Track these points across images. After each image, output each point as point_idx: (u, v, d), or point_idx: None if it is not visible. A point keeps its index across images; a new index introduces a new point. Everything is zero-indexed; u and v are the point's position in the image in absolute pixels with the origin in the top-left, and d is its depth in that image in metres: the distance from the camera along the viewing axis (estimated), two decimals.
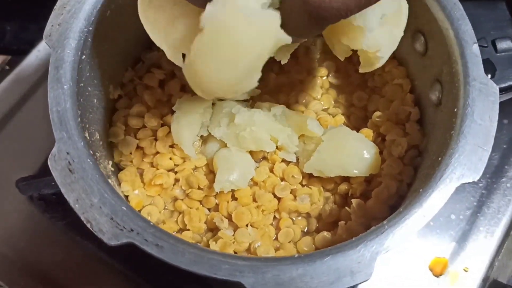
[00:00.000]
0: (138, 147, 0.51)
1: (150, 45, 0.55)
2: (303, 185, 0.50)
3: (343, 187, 0.49)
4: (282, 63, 0.45)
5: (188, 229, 0.47)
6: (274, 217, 0.49)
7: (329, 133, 0.49)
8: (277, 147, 0.50)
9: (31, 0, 0.72)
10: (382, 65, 0.50)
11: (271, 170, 0.50)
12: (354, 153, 0.48)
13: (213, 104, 0.51)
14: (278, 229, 0.48)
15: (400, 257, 0.54)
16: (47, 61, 0.41)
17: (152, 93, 0.53)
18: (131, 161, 0.51)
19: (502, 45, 0.47)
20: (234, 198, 0.49)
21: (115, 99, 0.53)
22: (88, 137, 0.43)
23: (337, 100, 0.55)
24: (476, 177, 0.38)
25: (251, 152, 0.50)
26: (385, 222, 0.37)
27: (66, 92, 0.40)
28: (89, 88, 0.46)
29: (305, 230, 0.49)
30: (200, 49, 0.34)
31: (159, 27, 0.39)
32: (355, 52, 0.43)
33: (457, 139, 0.39)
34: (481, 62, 0.41)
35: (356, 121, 0.53)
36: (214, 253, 0.35)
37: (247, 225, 0.47)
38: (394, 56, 0.54)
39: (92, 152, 0.40)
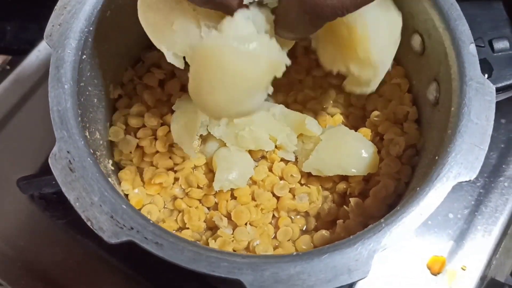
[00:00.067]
0: (138, 146, 0.51)
1: (150, 45, 0.54)
2: (301, 184, 0.50)
3: (341, 186, 0.50)
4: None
5: (188, 228, 0.48)
6: (273, 215, 0.49)
7: (327, 133, 0.50)
8: (276, 147, 0.50)
9: (31, 0, 0.72)
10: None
11: (270, 169, 0.50)
12: (353, 152, 0.48)
13: None
14: (277, 227, 0.49)
15: (398, 256, 0.54)
16: (47, 61, 0.42)
17: (152, 92, 0.53)
18: (131, 160, 0.51)
19: (499, 45, 0.48)
20: (233, 197, 0.49)
21: (115, 99, 0.53)
22: (88, 136, 0.43)
23: (335, 99, 0.55)
24: (472, 176, 0.38)
25: (250, 151, 0.50)
26: (382, 220, 0.37)
27: (66, 91, 0.40)
28: (90, 88, 0.46)
29: (303, 229, 0.49)
30: (196, 79, 0.35)
31: (158, 29, 0.40)
32: None
33: (454, 138, 0.39)
34: (478, 62, 0.41)
35: (355, 121, 0.54)
36: (213, 251, 0.36)
37: (246, 224, 0.48)
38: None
39: (92, 151, 0.40)
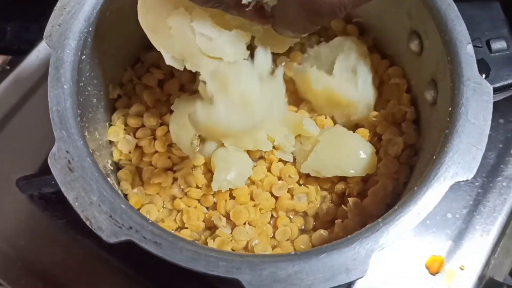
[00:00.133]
0: (137, 146, 0.51)
1: (149, 45, 0.54)
2: (300, 184, 0.51)
3: (340, 186, 0.50)
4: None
5: (187, 228, 0.48)
6: (272, 215, 0.50)
7: (325, 133, 0.50)
8: (274, 147, 0.50)
9: (31, 0, 0.72)
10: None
11: (269, 170, 0.51)
12: (351, 153, 0.49)
13: None
14: (275, 227, 0.49)
15: (397, 255, 0.54)
16: (47, 61, 0.42)
17: (151, 92, 0.54)
18: (130, 160, 0.51)
19: (496, 45, 0.48)
20: (232, 196, 0.49)
21: (115, 99, 0.54)
22: (87, 136, 0.43)
23: None
24: (470, 176, 0.38)
25: (248, 152, 0.50)
26: (380, 219, 0.37)
27: (66, 91, 0.41)
28: (89, 88, 0.46)
29: (302, 229, 0.50)
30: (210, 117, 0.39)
31: (157, 32, 0.40)
32: None
33: (451, 138, 0.39)
34: (475, 62, 0.41)
35: (353, 122, 0.54)
36: (211, 250, 0.36)
37: (244, 224, 0.48)
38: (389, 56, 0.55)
39: (91, 151, 0.40)
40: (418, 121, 0.51)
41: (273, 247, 0.48)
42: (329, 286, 0.35)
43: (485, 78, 0.41)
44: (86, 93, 0.45)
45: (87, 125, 0.44)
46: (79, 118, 0.41)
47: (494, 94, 0.41)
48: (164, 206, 0.50)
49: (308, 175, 0.50)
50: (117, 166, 0.52)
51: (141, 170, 0.51)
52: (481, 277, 0.54)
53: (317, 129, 0.50)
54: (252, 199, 0.49)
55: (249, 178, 0.50)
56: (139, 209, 0.48)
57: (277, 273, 0.35)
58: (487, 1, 0.49)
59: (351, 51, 0.52)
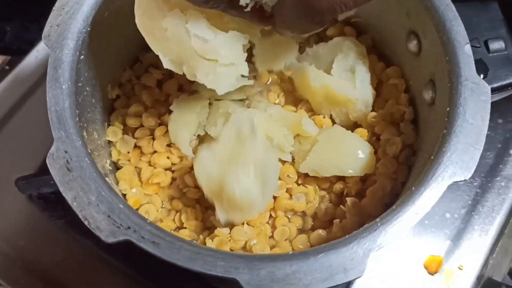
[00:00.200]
0: (135, 146, 0.52)
1: (148, 46, 0.55)
2: (298, 184, 0.51)
3: (338, 186, 0.50)
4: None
5: (185, 227, 0.48)
6: (270, 215, 0.50)
7: (324, 133, 0.50)
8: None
9: (31, 0, 0.72)
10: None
11: None
12: (349, 153, 0.49)
13: (210, 104, 0.52)
14: (274, 227, 0.49)
15: (395, 255, 0.54)
16: (46, 61, 0.42)
17: (150, 92, 0.54)
18: (129, 160, 0.51)
19: (494, 45, 0.48)
20: None
21: (113, 99, 0.54)
22: (86, 136, 0.43)
23: None
24: (467, 176, 0.38)
25: None
26: (377, 219, 0.37)
27: (64, 91, 0.41)
28: (87, 88, 0.46)
29: (300, 228, 0.50)
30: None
31: (154, 35, 0.40)
32: None
33: (449, 138, 0.39)
34: (473, 62, 0.42)
35: (351, 121, 0.54)
36: (209, 250, 0.36)
37: (243, 224, 0.48)
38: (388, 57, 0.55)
39: (90, 151, 0.40)
40: (416, 121, 0.51)
41: (272, 247, 0.48)
42: (327, 286, 0.35)
43: (483, 78, 0.41)
44: (85, 93, 0.45)
45: (85, 125, 0.44)
46: (77, 118, 0.41)
47: (492, 94, 0.41)
48: (163, 206, 0.50)
49: (306, 175, 0.50)
50: (116, 166, 0.52)
51: (140, 170, 0.51)
52: (479, 277, 0.54)
53: (315, 129, 0.50)
54: None
55: None
56: (137, 209, 0.48)
57: (275, 272, 0.35)
58: (485, 1, 0.50)
59: (350, 51, 0.52)
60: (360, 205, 0.47)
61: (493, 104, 0.42)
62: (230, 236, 0.47)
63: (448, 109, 0.41)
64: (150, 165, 0.51)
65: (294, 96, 0.54)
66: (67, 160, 0.38)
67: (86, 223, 0.36)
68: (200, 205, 0.49)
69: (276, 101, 0.54)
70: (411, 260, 0.54)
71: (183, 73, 0.42)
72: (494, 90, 0.47)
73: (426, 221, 0.56)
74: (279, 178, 0.50)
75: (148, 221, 0.37)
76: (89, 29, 0.44)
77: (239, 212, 0.43)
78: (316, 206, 0.50)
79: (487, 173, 0.58)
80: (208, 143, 0.45)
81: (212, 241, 0.45)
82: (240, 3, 0.35)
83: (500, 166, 0.59)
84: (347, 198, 0.48)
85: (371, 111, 0.52)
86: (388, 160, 0.49)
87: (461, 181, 0.39)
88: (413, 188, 0.38)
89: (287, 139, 0.50)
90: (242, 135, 0.44)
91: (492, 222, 0.56)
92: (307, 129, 0.49)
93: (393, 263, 0.54)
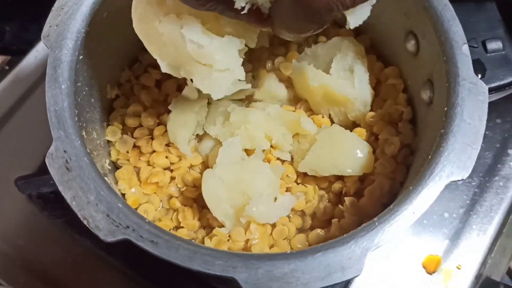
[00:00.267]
0: (134, 145, 0.52)
1: None
2: (298, 183, 0.51)
3: (337, 185, 0.50)
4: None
5: (183, 227, 0.48)
6: None
7: (323, 133, 0.50)
8: (271, 146, 0.50)
9: (30, 0, 0.72)
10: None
11: None
12: (348, 152, 0.49)
13: (209, 103, 0.52)
14: (273, 226, 0.49)
15: (394, 255, 0.54)
16: (45, 61, 0.42)
17: (148, 92, 0.54)
18: (128, 160, 0.51)
19: (492, 45, 0.48)
20: None
21: (112, 99, 0.54)
22: (85, 136, 0.44)
23: None
24: (465, 175, 0.38)
25: (246, 150, 0.51)
26: (375, 219, 0.37)
27: (63, 91, 0.41)
28: (86, 88, 0.46)
29: (300, 228, 0.50)
30: None
31: (151, 40, 0.40)
32: None
33: (447, 138, 0.39)
34: (471, 62, 0.42)
35: (350, 120, 0.54)
36: (208, 249, 0.36)
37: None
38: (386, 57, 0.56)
39: (89, 151, 0.40)
40: (414, 121, 0.51)
41: (270, 246, 0.48)
42: (325, 285, 0.35)
43: (480, 78, 0.41)
44: (84, 93, 0.45)
45: (84, 125, 0.45)
46: (76, 118, 0.41)
47: (489, 94, 0.41)
48: (162, 205, 0.50)
49: (305, 174, 0.50)
50: (115, 166, 0.52)
51: (138, 169, 0.51)
52: (478, 276, 0.54)
53: (314, 127, 0.50)
54: None
55: None
56: (136, 209, 0.49)
57: (273, 271, 0.35)
58: (483, 2, 0.50)
59: (348, 51, 0.52)
60: (359, 204, 0.48)
61: (491, 104, 0.42)
62: (228, 236, 0.47)
63: (445, 109, 0.41)
64: (149, 164, 0.51)
65: (293, 96, 0.54)
66: (66, 160, 0.38)
67: (85, 222, 0.37)
68: (197, 204, 0.49)
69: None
70: (409, 260, 0.54)
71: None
72: (491, 90, 0.47)
73: (424, 221, 0.56)
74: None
75: (147, 220, 0.37)
76: (88, 29, 0.44)
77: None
78: (315, 205, 0.50)
79: (485, 172, 0.59)
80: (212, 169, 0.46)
81: (211, 240, 0.46)
82: (235, 6, 0.35)
83: (499, 165, 0.59)
84: (345, 198, 0.48)
85: (370, 110, 0.52)
86: (387, 160, 0.49)
87: (458, 180, 0.39)
88: (411, 187, 0.39)
89: (285, 138, 0.50)
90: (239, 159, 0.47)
91: (490, 221, 0.56)
92: (306, 127, 0.49)
93: (392, 262, 0.54)
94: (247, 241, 0.46)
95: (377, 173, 0.49)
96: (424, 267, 0.54)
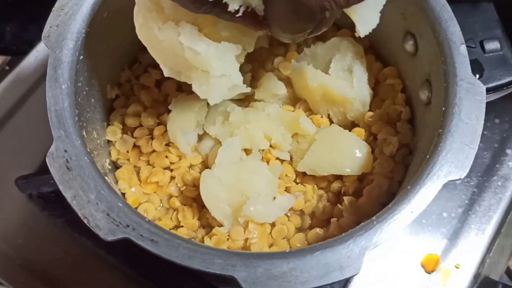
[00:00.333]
0: (135, 145, 0.52)
1: None
2: (297, 183, 0.51)
3: (336, 185, 0.50)
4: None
5: (183, 226, 0.48)
6: None
7: (322, 132, 0.50)
8: (271, 146, 0.51)
9: (30, 1, 0.72)
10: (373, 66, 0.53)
11: None
12: (347, 152, 0.49)
13: (208, 103, 0.52)
14: (272, 225, 0.49)
15: (393, 254, 0.54)
16: (46, 62, 0.42)
17: (148, 92, 0.54)
18: (128, 159, 0.52)
19: (489, 45, 0.48)
20: None
21: (113, 99, 0.54)
22: (85, 136, 0.44)
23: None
24: (462, 175, 0.39)
25: (245, 150, 0.51)
26: (374, 218, 0.38)
27: (64, 91, 0.41)
28: (87, 88, 0.47)
29: (299, 227, 0.50)
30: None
31: (153, 46, 0.41)
32: None
33: (444, 138, 0.40)
34: (469, 62, 0.42)
35: (349, 120, 0.54)
36: (207, 248, 0.36)
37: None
38: (385, 57, 0.56)
39: (89, 150, 0.41)
40: (413, 120, 0.51)
41: (269, 246, 0.48)
42: (323, 283, 0.35)
43: (478, 78, 0.41)
44: (84, 93, 0.46)
45: (85, 124, 0.45)
46: (77, 118, 0.41)
47: (487, 94, 0.41)
48: (162, 205, 0.51)
49: (304, 174, 0.50)
50: (115, 165, 0.52)
51: (138, 169, 0.51)
52: (476, 276, 0.54)
53: (313, 127, 0.51)
54: None
55: None
56: (136, 208, 0.49)
57: (271, 270, 0.35)
58: (480, 2, 0.50)
59: (347, 51, 0.52)
60: (357, 204, 0.48)
61: (490, 104, 0.42)
62: (228, 235, 0.47)
63: (443, 108, 0.41)
64: (149, 164, 0.51)
65: (292, 96, 0.54)
66: (66, 159, 0.39)
67: (85, 221, 0.37)
68: (197, 203, 0.49)
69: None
70: (408, 259, 0.54)
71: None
72: (489, 90, 0.47)
73: (423, 220, 0.56)
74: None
75: (147, 219, 0.37)
76: (88, 29, 0.44)
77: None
78: (314, 205, 0.50)
79: (484, 172, 0.59)
80: (211, 169, 0.46)
81: (210, 239, 0.46)
82: (229, 9, 0.35)
83: (497, 165, 0.59)
84: (344, 197, 0.48)
85: (368, 110, 0.52)
86: (385, 159, 0.49)
87: (456, 180, 0.39)
88: (409, 186, 0.39)
89: (285, 138, 0.50)
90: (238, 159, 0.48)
91: (489, 221, 0.57)
92: (305, 127, 0.50)
93: (390, 261, 0.54)
94: (246, 240, 0.46)
95: (376, 172, 0.49)
96: (422, 266, 0.54)
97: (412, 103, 0.51)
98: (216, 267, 0.35)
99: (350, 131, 0.51)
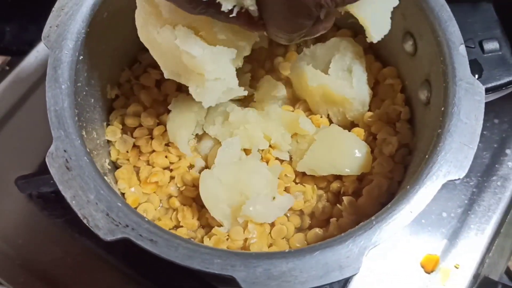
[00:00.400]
0: (134, 145, 0.52)
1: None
2: (296, 183, 0.51)
3: (335, 185, 0.50)
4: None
5: (182, 226, 0.48)
6: None
7: (321, 133, 0.50)
8: (270, 146, 0.51)
9: (30, 1, 0.73)
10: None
11: None
12: (346, 152, 0.49)
13: None
14: (272, 225, 0.49)
15: (392, 254, 0.54)
16: (46, 62, 0.42)
17: (148, 92, 0.54)
18: (128, 159, 0.52)
19: (489, 46, 0.48)
20: None
21: (112, 99, 0.54)
22: (85, 136, 0.44)
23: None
24: (462, 175, 0.39)
25: (245, 150, 0.51)
26: (373, 218, 0.38)
27: (63, 91, 0.41)
28: (87, 88, 0.47)
29: (298, 227, 0.50)
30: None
31: (153, 48, 0.41)
32: None
33: (443, 138, 0.40)
34: (468, 62, 0.42)
35: (348, 120, 0.54)
36: (207, 248, 0.36)
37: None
38: (384, 57, 0.56)
39: (89, 150, 0.41)
40: (412, 120, 0.51)
41: (269, 246, 0.48)
42: (323, 283, 0.35)
43: (477, 78, 0.41)
44: (84, 93, 0.46)
45: (84, 124, 0.45)
46: (76, 118, 0.41)
47: (486, 94, 0.41)
48: (161, 205, 0.51)
49: (304, 174, 0.50)
50: (115, 165, 0.52)
51: (138, 169, 0.51)
52: (476, 276, 0.54)
53: (313, 127, 0.51)
54: None
55: None
56: (136, 208, 0.49)
57: (271, 270, 0.35)
58: (479, 2, 0.50)
59: (347, 51, 0.52)
60: (357, 204, 0.48)
61: (489, 104, 0.42)
62: (227, 235, 0.47)
63: (442, 108, 0.41)
64: (148, 164, 0.51)
65: (291, 96, 0.54)
66: (66, 159, 0.39)
67: (85, 221, 0.37)
68: (196, 203, 0.50)
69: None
70: (408, 259, 0.54)
71: None
72: (488, 90, 0.47)
73: (423, 220, 0.56)
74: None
75: (146, 219, 0.37)
76: (88, 29, 0.44)
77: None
78: (314, 205, 0.50)
79: (483, 172, 0.59)
80: (210, 169, 0.47)
81: (210, 239, 0.46)
82: (222, 9, 0.35)
83: (496, 165, 0.59)
84: (343, 197, 0.48)
85: (368, 110, 0.52)
86: (385, 159, 0.49)
87: (455, 179, 0.39)
88: (408, 186, 0.39)
89: (284, 138, 0.51)
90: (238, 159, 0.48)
91: (488, 221, 0.57)
92: (305, 127, 0.50)
93: (390, 261, 0.54)
94: (245, 240, 0.46)
95: (375, 172, 0.49)
96: (422, 267, 0.54)
97: (411, 103, 0.51)
98: (215, 267, 0.35)
99: (349, 131, 0.51)
